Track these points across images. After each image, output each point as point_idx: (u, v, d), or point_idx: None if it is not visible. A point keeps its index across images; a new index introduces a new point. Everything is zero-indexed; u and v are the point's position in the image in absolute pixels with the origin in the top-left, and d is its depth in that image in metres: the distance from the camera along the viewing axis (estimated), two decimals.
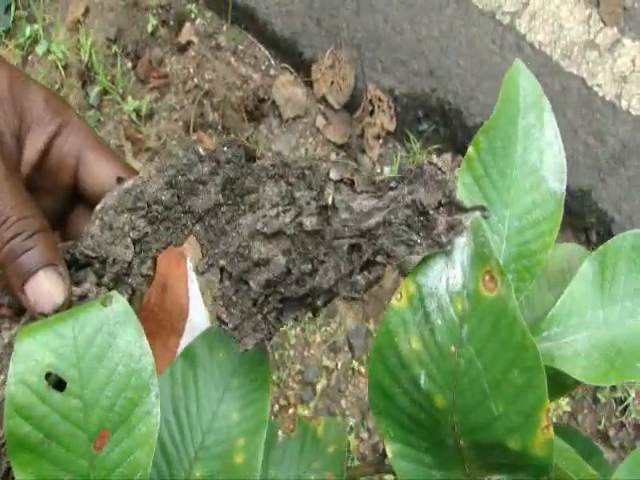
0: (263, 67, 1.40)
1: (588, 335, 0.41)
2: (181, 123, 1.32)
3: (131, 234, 0.35)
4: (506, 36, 1.31)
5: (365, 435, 1.13)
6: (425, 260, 0.34)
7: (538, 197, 0.41)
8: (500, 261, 0.33)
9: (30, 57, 1.41)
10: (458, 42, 1.31)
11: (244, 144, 0.36)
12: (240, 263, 0.34)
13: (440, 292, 0.34)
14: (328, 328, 1.19)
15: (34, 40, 1.42)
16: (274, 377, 1.13)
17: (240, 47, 1.42)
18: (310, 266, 0.34)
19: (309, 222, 0.33)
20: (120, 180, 0.37)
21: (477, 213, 0.34)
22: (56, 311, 0.33)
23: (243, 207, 0.35)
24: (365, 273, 0.34)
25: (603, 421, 1.18)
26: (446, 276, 0.34)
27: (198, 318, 0.65)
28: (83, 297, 0.35)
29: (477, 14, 1.34)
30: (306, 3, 1.39)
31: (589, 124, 1.21)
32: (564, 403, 1.19)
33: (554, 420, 1.21)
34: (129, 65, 1.42)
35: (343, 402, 1.12)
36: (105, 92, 1.38)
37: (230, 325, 0.34)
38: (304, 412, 1.08)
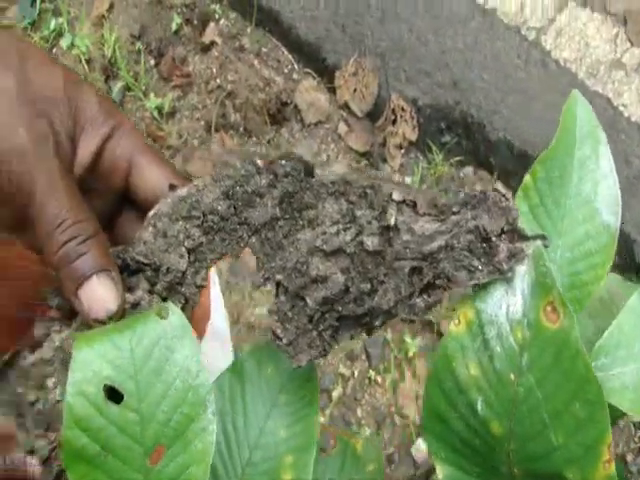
0: (286, 71, 1.40)
1: (636, 368, 0.40)
2: (203, 123, 1.32)
3: (186, 243, 0.35)
4: (531, 52, 1.30)
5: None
6: (484, 286, 0.34)
7: (591, 229, 0.41)
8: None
9: (54, 50, 1.41)
10: (483, 55, 1.31)
11: (303, 159, 0.35)
12: (297, 279, 0.34)
13: (500, 319, 0.34)
14: None
15: (59, 33, 1.42)
16: None
17: (264, 50, 1.42)
18: (369, 286, 0.33)
19: (370, 242, 0.33)
20: (172, 187, 0.36)
21: (538, 242, 0.33)
22: (110, 317, 0.33)
23: (301, 222, 0.35)
24: (424, 296, 0.33)
25: (621, 445, 1.17)
26: (506, 304, 0.34)
27: (219, 321, 0.64)
28: (136, 304, 0.34)
29: (502, 28, 1.34)
30: (331, 9, 1.39)
31: (614, 145, 1.21)
32: None
33: None
34: (152, 62, 1.42)
35: (359, 411, 1.12)
36: (128, 88, 1.37)
37: (285, 340, 0.34)
38: (319, 419, 1.08)
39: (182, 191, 0.35)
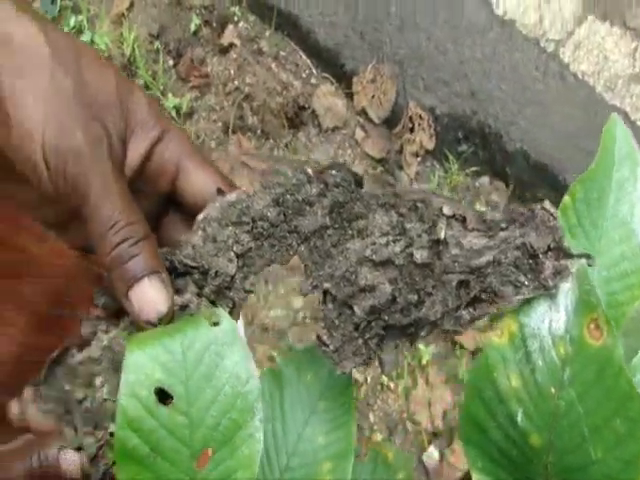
0: (304, 75, 1.40)
1: None
2: (220, 124, 1.33)
3: (235, 248, 0.35)
4: (549, 64, 1.31)
5: None
6: (528, 301, 0.34)
7: (627, 250, 0.41)
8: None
9: None
10: (501, 66, 1.32)
11: (352, 170, 0.36)
12: (346, 287, 0.35)
13: (543, 333, 0.34)
14: None
15: (78, 30, 1.42)
16: None
17: (282, 53, 1.43)
18: (416, 297, 0.34)
19: (420, 255, 0.34)
20: (220, 192, 0.37)
21: (582, 260, 0.34)
22: (159, 319, 0.33)
23: (350, 232, 0.35)
24: (470, 309, 0.34)
25: None
26: (549, 319, 0.34)
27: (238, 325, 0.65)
28: (184, 307, 0.35)
29: (521, 40, 1.34)
30: (350, 15, 1.40)
31: None
32: None
33: None
34: (170, 62, 1.42)
35: (371, 416, 1.12)
36: (146, 87, 1.38)
37: (331, 347, 0.34)
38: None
39: (231, 196, 0.36)
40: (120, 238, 0.33)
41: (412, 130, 1.27)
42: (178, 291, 0.35)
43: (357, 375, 1.15)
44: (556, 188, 1.26)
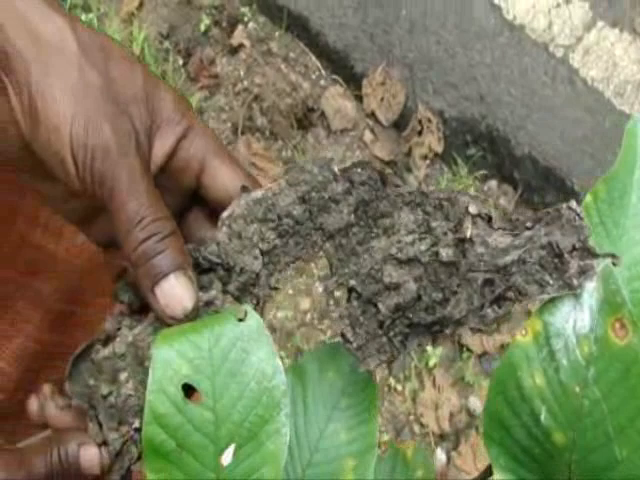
0: (313, 77, 1.41)
1: None
2: (229, 124, 1.33)
3: (260, 245, 0.35)
4: (558, 69, 1.31)
5: None
6: (553, 300, 0.34)
7: None
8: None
9: None
10: (510, 70, 1.32)
11: (378, 169, 0.36)
12: (371, 285, 0.35)
13: (567, 332, 0.34)
14: None
15: None
16: None
17: (291, 55, 1.43)
18: (441, 295, 0.34)
19: (445, 253, 0.34)
20: (245, 188, 0.37)
21: (608, 260, 0.34)
22: (185, 316, 0.34)
23: (376, 230, 0.35)
24: (495, 307, 0.34)
25: None
26: (574, 318, 0.34)
27: None
28: (209, 303, 0.35)
29: (530, 44, 1.35)
30: (360, 17, 1.40)
31: None
32: None
33: None
34: (180, 62, 1.42)
35: (378, 418, 1.12)
36: None
37: (355, 344, 0.35)
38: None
39: (257, 194, 0.36)
40: (147, 234, 0.33)
41: (421, 133, 1.27)
42: (203, 288, 0.35)
43: None
44: (564, 192, 1.26)
